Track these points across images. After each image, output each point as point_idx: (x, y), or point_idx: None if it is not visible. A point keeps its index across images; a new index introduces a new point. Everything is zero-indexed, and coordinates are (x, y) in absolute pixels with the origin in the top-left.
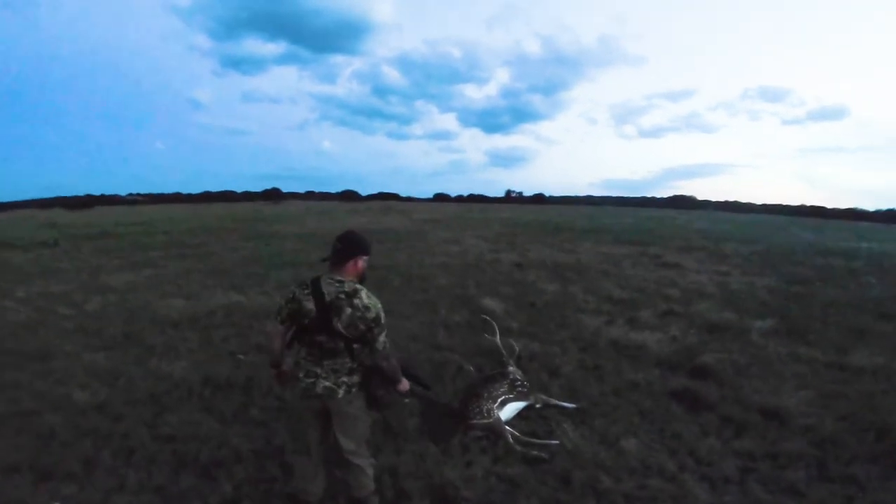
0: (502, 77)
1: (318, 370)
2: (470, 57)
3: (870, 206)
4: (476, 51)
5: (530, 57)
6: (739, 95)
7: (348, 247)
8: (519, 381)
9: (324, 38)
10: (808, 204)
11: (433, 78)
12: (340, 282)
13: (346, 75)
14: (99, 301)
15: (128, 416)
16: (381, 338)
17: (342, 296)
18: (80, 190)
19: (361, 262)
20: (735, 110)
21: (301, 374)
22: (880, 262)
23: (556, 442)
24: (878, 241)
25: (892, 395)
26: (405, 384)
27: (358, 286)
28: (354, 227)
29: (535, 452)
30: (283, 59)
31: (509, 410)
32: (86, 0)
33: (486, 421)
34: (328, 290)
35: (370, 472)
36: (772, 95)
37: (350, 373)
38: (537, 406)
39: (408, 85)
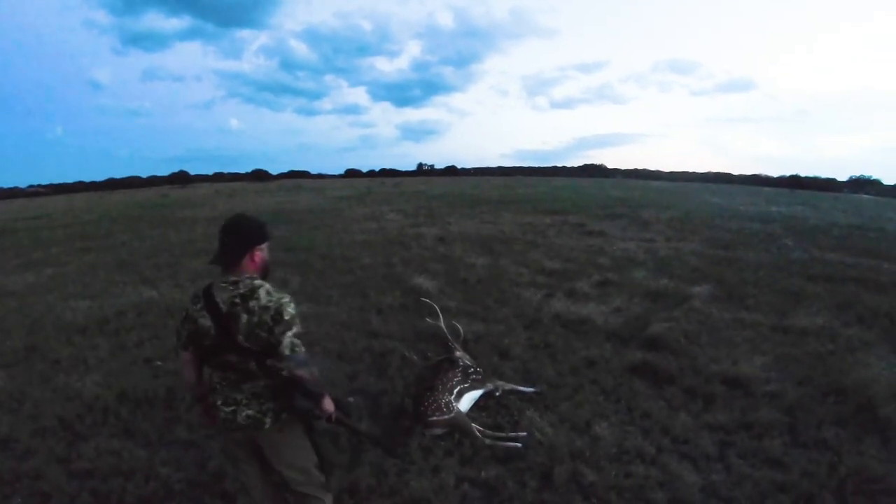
0: (414, 50)
1: (238, 395)
2: (381, 29)
3: (774, 172)
4: (388, 23)
5: (442, 29)
6: (650, 68)
7: (239, 239)
8: (471, 367)
9: (229, 12)
10: (714, 171)
11: (343, 51)
12: (235, 283)
13: (253, 50)
14: None
15: (37, 450)
16: (286, 339)
17: (237, 300)
18: None
19: (259, 254)
20: (646, 82)
21: (219, 402)
22: (793, 226)
23: (525, 434)
24: (785, 205)
25: (840, 355)
26: (329, 404)
27: (257, 283)
28: (245, 211)
29: (506, 444)
30: (187, 35)
31: (467, 401)
32: None
33: (446, 417)
34: (222, 297)
35: (328, 499)
36: (682, 68)
37: (276, 395)
38: (497, 394)
39: (317, 59)
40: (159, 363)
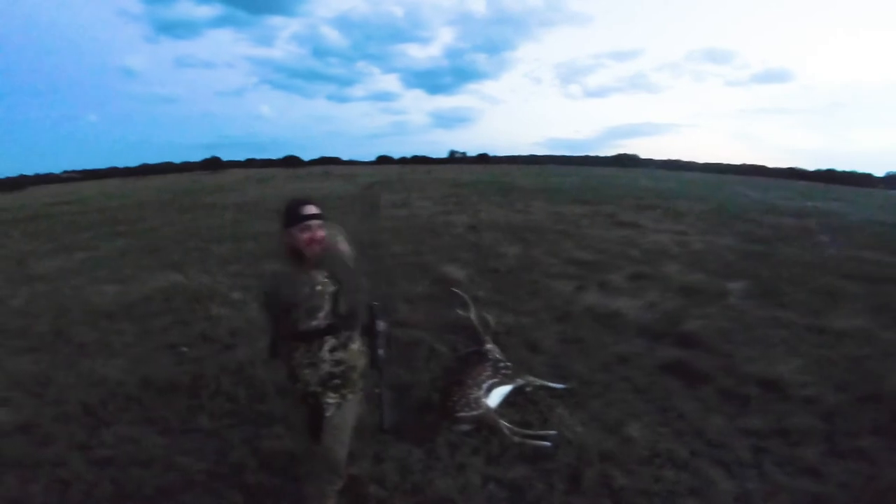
0: (446, 37)
1: None
2: (413, 16)
3: (808, 165)
4: (419, 10)
5: (475, 16)
6: (685, 56)
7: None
8: (501, 361)
9: None
10: (749, 163)
11: (374, 38)
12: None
13: (285, 37)
14: (26, 293)
15: (58, 436)
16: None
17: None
18: (13, 171)
19: (287, 238)
20: (680, 71)
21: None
22: (829, 222)
23: (554, 432)
24: (821, 200)
25: (878, 360)
26: None
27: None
28: (293, 195)
29: (535, 443)
30: (218, 22)
31: (496, 397)
32: None
33: (475, 413)
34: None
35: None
36: (717, 57)
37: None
38: (527, 389)
39: (348, 46)
40: (185, 349)
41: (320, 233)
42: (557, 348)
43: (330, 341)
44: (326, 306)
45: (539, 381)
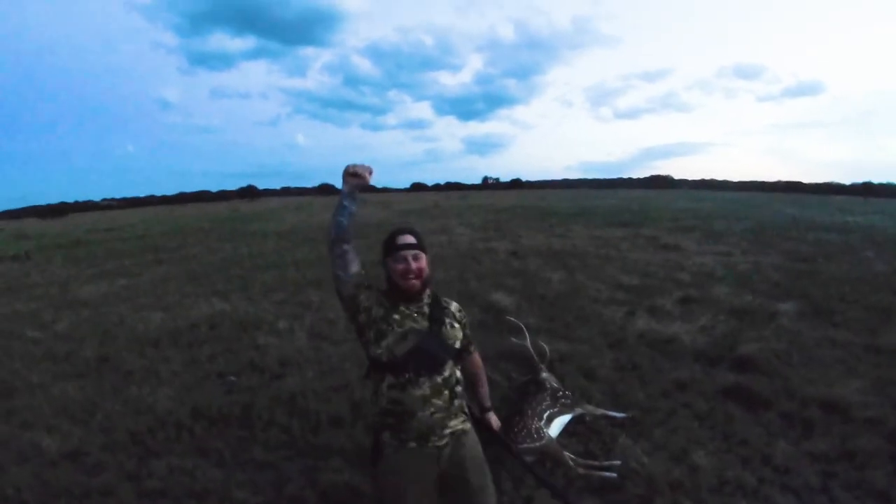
0: (476, 63)
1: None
2: (442, 43)
3: (844, 179)
4: (448, 37)
5: (503, 41)
6: (715, 73)
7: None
8: (559, 390)
9: (292, 31)
10: (784, 179)
11: (405, 66)
12: None
13: (317, 68)
14: (70, 319)
15: (107, 465)
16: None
17: None
18: (54, 198)
19: (386, 268)
20: (711, 88)
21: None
22: (872, 237)
23: (619, 462)
24: (861, 214)
25: None
26: None
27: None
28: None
29: (600, 474)
30: (252, 54)
31: (557, 427)
32: (42, 5)
33: (537, 444)
34: None
35: None
36: (747, 73)
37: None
38: (587, 419)
39: (380, 75)
40: (233, 378)
41: (415, 264)
42: (614, 376)
43: (388, 378)
44: (391, 337)
45: (599, 411)
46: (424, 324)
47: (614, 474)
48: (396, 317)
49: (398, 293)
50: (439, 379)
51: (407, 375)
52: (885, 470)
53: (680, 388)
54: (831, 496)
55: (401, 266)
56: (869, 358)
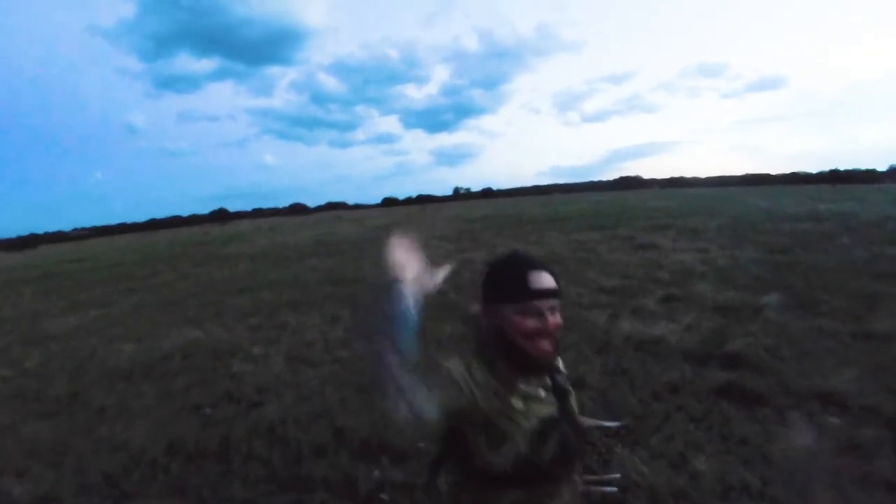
0: (442, 75)
1: None
2: (408, 57)
3: (811, 168)
4: (414, 50)
5: (469, 52)
6: (679, 73)
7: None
8: None
9: (257, 50)
10: (753, 172)
11: (372, 81)
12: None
13: (283, 86)
14: (41, 354)
15: None
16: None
17: None
18: (23, 230)
19: (499, 319)
20: (675, 88)
21: None
22: (846, 223)
23: (618, 475)
24: (832, 201)
25: None
26: None
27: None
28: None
29: (601, 488)
30: (218, 75)
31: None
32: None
33: None
34: None
35: None
36: (710, 71)
37: None
38: None
39: (346, 90)
40: (208, 411)
41: (554, 320)
42: (603, 381)
43: (514, 492)
44: (521, 438)
45: (592, 421)
46: (553, 403)
47: (615, 489)
48: (518, 404)
49: (521, 365)
50: (575, 476)
51: (546, 489)
52: (892, 460)
53: (672, 391)
54: (840, 491)
55: (533, 324)
56: (858, 345)
